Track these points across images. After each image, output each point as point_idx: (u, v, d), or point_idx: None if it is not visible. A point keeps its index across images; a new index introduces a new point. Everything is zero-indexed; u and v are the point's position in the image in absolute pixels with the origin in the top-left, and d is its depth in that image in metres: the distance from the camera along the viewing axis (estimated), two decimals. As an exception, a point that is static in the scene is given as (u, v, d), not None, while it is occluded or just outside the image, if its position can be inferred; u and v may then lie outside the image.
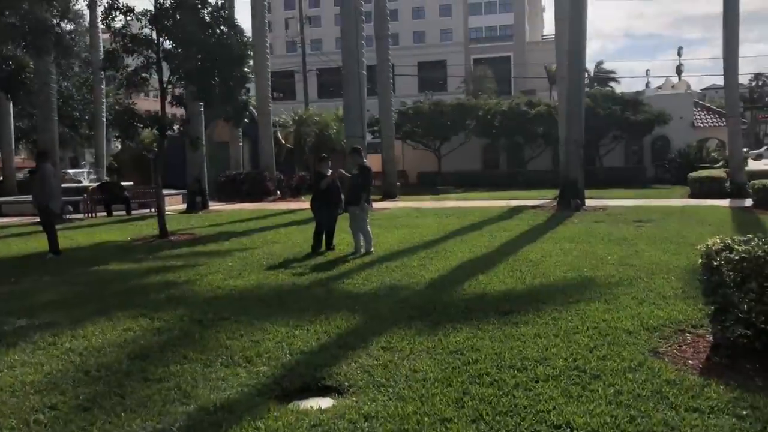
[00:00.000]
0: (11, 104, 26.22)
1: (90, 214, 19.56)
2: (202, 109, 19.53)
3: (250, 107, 31.41)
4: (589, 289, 7.71)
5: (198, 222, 17.46)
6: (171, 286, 8.59)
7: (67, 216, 18.54)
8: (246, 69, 13.18)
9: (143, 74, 12.70)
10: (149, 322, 6.75)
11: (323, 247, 11.48)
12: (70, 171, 39.36)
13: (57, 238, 11.50)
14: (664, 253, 10.12)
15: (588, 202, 18.88)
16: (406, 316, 6.69)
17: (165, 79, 13.31)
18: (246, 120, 14.13)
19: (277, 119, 33.49)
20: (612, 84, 61.91)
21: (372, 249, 11.07)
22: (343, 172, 12.06)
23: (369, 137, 34.77)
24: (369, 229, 11.31)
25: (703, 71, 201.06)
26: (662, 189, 27.94)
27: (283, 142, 32.16)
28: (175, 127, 13.56)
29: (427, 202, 23.00)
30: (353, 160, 11.96)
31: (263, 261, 10.48)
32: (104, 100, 28.85)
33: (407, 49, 66.80)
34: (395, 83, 34.72)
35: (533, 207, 19.43)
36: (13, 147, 28.64)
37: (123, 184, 21.63)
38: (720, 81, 37.73)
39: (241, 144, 28.84)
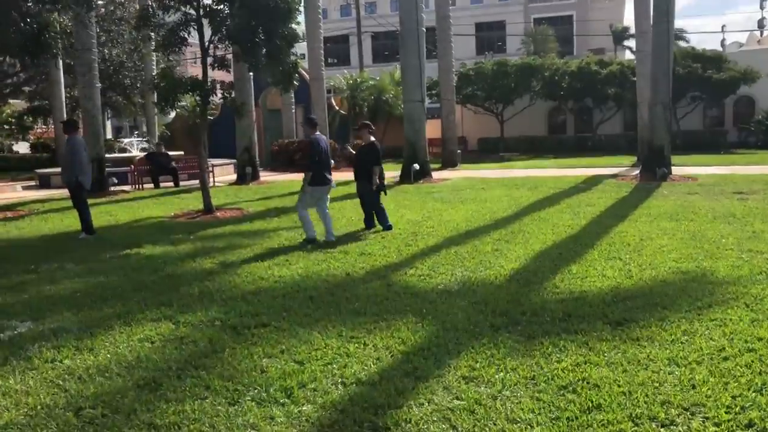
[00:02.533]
0: (61, 72, 25.56)
1: (136, 186, 18.68)
2: (251, 74, 18.28)
3: (301, 70, 30.27)
4: (717, 287, 6.10)
5: (247, 195, 16.33)
6: (207, 276, 7.37)
7: (112, 188, 17.71)
8: (294, 26, 11.77)
9: (181, 33, 11.43)
10: (173, 328, 5.53)
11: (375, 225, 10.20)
12: (125, 140, 39.14)
13: (90, 216, 10.46)
14: (794, 236, 8.37)
15: (673, 171, 16.90)
16: (488, 325, 5.27)
17: (206, 39, 12.06)
18: (296, 83, 12.65)
19: (331, 84, 32.15)
20: (681, 43, 58.02)
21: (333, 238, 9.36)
22: (350, 148, 10.63)
23: (427, 101, 33.20)
24: (304, 214, 9.39)
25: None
26: (749, 154, 25.46)
27: (337, 108, 30.80)
28: (219, 92, 12.25)
29: (491, 171, 21.33)
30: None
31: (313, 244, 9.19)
32: (154, 66, 27.91)
33: (464, 10, 63.97)
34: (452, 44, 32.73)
35: (612, 176, 17.60)
36: (65, 116, 28.12)
37: (170, 153, 20.67)
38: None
39: (294, 111, 27.62)
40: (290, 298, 6.36)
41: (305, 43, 24.96)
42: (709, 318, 5.20)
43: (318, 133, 9.68)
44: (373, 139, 10.32)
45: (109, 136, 51.26)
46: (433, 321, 5.45)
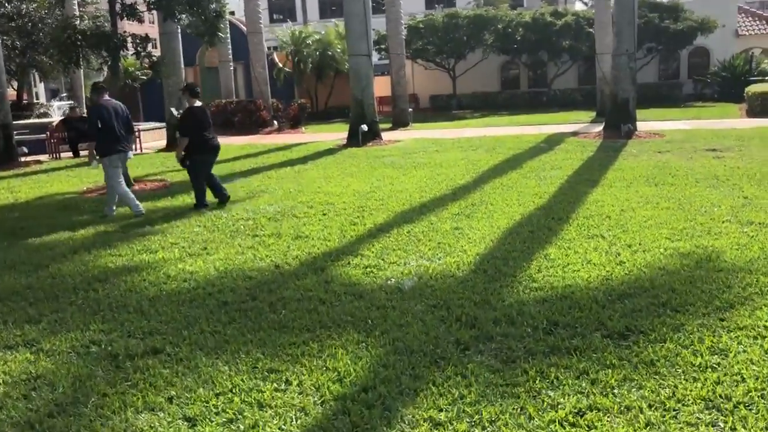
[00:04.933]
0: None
1: (53, 155, 16.73)
2: (179, 26, 16.39)
3: (237, 23, 28.13)
4: (731, 277, 4.94)
5: (175, 163, 14.59)
6: (100, 275, 5.90)
7: (22, 159, 15.75)
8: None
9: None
10: (30, 361, 4.09)
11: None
12: (55, 103, 36.32)
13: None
14: (794, 202, 7.32)
15: (638, 126, 15.85)
16: (452, 343, 4.00)
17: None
18: (222, 35, 10.98)
19: (274, 38, 30.15)
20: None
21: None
22: (174, 113, 9.37)
23: (376, 57, 31.45)
24: (123, 190, 8.73)
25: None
26: (708, 107, 24.74)
27: (281, 65, 28.89)
28: (130, 46, 10.51)
29: (444, 130, 20.01)
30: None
31: (240, 224, 7.76)
32: (78, 21, 25.43)
33: (413, -39, 61.90)
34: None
35: (573, 134, 16.48)
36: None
37: (84, 116, 18.59)
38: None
39: (232, 68, 25.63)
40: (198, 305, 4.96)
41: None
42: (736, 325, 4.03)
43: (108, 98, 8.83)
44: (197, 103, 8.84)
45: (42, 99, 48.04)
46: (381, 338, 4.14)
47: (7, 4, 25.58)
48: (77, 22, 10.68)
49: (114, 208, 8.78)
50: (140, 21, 10.47)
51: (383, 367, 3.71)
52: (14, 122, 16.78)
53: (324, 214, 8.07)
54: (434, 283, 5.16)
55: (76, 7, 26.09)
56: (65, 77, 36.62)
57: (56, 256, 6.61)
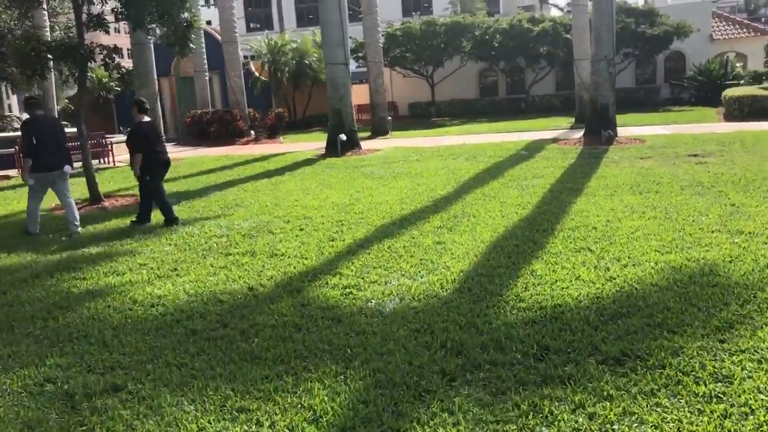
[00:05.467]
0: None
1: (22, 171, 16.19)
2: (150, 37, 16.01)
3: (212, 32, 27.70)
4: (726, 292, 4.72)
5: (149, 177, 14.20)
6: (62, 302, 5.54)
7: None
8: (184, -27, 9.75)
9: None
10: (-22, 403, 3.75)
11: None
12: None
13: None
14: (783, 210, 7.16)
15: (618, 132, 15.73)
16: (438, 372, 3.72)
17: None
18: (192, 45, 10.65)
19: (249, 48, 29.80)
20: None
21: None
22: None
23: (353, 65, 31.20)
24: (33, 206, 8.58)
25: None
26: (685, 111, 24.79)
27: (257, 74, 28.55)
28: (98, 58, 10.12)
29: (424, 138, 19.80)
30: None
31: (213, 241, 7.43)
32: (48, 31, 24.84)
33: (389, -31, 61.87)
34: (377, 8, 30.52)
35: (552, 140, 16.31)
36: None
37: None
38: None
39: (207, 78, 25.23)
40: (165, 333, 4.64)
41: (216, 4, 22.67)
42: (738, 348, 3.79)
43: (42, 112, 8.79)
44: (145, 118, 8.71)
45: (16, 112, 47.09)
46: (360, 369, 3.84)
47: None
48: (47, 33, 10.30)
49: (77, 224, 8.45)
50: (107, 32, 10.12)
51: (363, 403, 3.42)
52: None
53: (301, 230, 7.77)
54: (417, 305, 4.88)
55: (46, 17, 25.58)
56: (37, 89, 35.88)
57: (16, 281, 6.23)
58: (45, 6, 23.43)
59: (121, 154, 19.16)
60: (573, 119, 21.92)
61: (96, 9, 9.95)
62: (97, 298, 5.56)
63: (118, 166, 16.72)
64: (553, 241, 6.46)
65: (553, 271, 5.49)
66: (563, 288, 5.05)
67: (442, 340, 4.18)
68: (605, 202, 8.26)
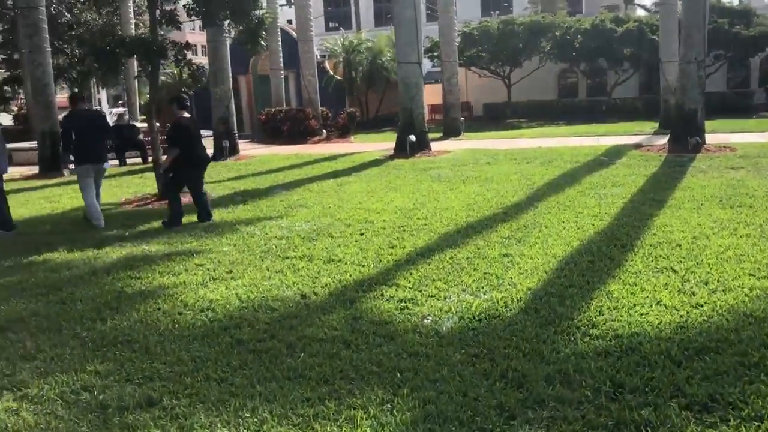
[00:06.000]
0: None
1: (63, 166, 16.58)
2: (226, 34, 16.12)
3: (288, 30, 27.87)
4: (835, 329, 4.12)
5: (218, 173, 14.33)
6: (114, 301, 5.43)
7: (71, 167, 15.65)
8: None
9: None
10: (15, 407, 3.62)
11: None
12: (113, 110, 36.93)
13: (5, 209, 8.52)
14: None
15: (706, 139, 14.74)
16: (494, 407, 3.33)
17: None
18: (263, 42, 10.54)
19: (325, 47, 29.88)
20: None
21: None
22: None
23: (428, 65, 30.80)
24: (91, 202, 8.73)
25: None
26: (782, 118, 23.18)
27: (332, 72, 28.58)
28: (171, 54, 10.17)
29: (497, 141, 19.22)
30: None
31: (272, 243, 7.24)
32: (132, 27, 25.61)
33: (469, -31, 61.01)
34: (456, 7, 29.92)
35: (635, 146, 15.46)
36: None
37: (137, 125, 18.57)
38: None
39: (283, 76, 25.39)
40: (211, 342, 4.42)
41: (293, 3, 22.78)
42: None
43: (85, 106, 9.22)
44: (185, 115, 8.59)
45: (105, 106, 49.08)
46: (410, 398, 3.50)
47: (67, 14, 26.00)
48: (132, 30, 10.42)
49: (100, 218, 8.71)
50: (179, 28, 10.15)
51: (409, 440, 3.07)
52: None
53: (361, 234, 7.48)
54: (477, 326, 4.49)
55: (131, 15, 26.41)
56: (122, 85, 37.15)
57: (73, 277, 6.19)
58: (131, 3, 24.26)
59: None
60: (657, 124, 20.82)
61: (169, 6, 10.00)
62: (148, 300, 5.42)
63: (191, 162, 16.92)
64: (633, 259, 5.92)
65: (632, 293, 4.98)
66: (642, 314, 4.55)
67: (503, 368, 3.78)
68: (691, 216, 7.60)
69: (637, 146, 15.49)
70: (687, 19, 14.15)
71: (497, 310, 4.79)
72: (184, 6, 9.71)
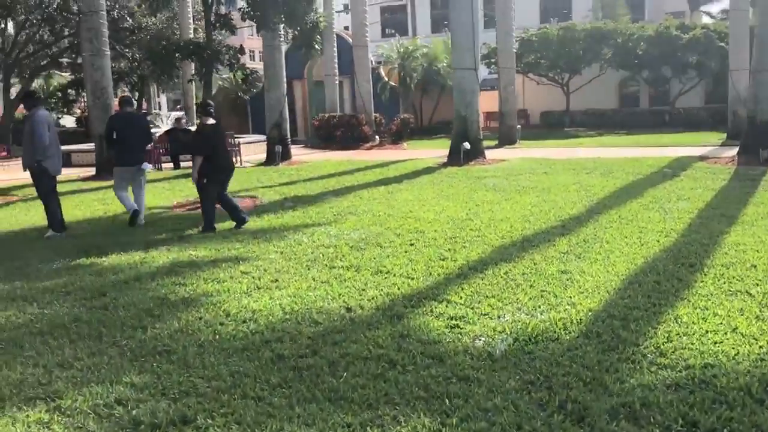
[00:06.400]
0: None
1: (156, 166, 16.86)
2: (281, 39, 16.11)
3: (344, 35, 27.85)
4: None
5: (270, 178, 14.30)
6: (157, 308, 5.32)
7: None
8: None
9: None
10: (46, 419, 3.49)
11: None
12: (172, 114, 37.67)
13: (58, 210, 8.61)
14: None
15: (779, 152, 13.96)
16: (553, 444, 3.01)
17: (209, -7, 9.94)
18: (318, 46, 10.41)
19: (380, 54, 29.80)
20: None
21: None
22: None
23: (485, 72, 30.36)
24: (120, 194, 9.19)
25: None
26: None
27: (386, 78, 28.46)
28: (225, 58, 10.14)
29: (555, 150, 18.72)
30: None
31: (320, 251, 7.05)
32: (192, 32, 26.01)
33: (529, -26, 60.17)
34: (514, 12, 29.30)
35: (701, 158, 14.76)
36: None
37: (188, 128, 18.72)
38: None
39: (338, 82, 25.41)
40: (251, 356, 4.23)
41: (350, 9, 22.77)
42: None
43: (130, 109, 9.50)
44: (210, 121, 8.42)
45: (164, 110, 50.24)
46: (459, 428, 3.22)
47: (129, 19, 26.61)
48: (191, 34, 10.46)
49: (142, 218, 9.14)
50: (233, 32, 10.12)
51: (457, 479, 2.80)
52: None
53: (411, 245, 7.22)
54: (533, 349, 4.17)
55: (191, 19, 26.85)
56: (180, 89, 37.88)
57: (118, 282, 6.12)
58: (190, 8, 24.63)
59: (249, 154, 19.61)
60: (724, 135, 19.95)
61: (223, 9, 9.99)
62: (191, 308, 5.28)
63: (244, 166, 17.01)
64: (703, 280, 5.49)
65: (703, 318, 4.58)
66: (716, 343, 4.15)
67: (561, 399, 3.46)
68: (764, 234, 7.08)
69: (703, 158, 14.80)
70: (761, 26, 13.46)
71: (555, 332, 4.46)
72: (239, 10, 9.68)
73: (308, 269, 6.38)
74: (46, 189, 8.46)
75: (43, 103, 8.97)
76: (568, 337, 4.37)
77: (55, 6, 24.64)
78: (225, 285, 5.90)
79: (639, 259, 6.25)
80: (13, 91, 29.74)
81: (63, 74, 36.56)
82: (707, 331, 4.34)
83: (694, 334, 4.29)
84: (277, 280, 6.02)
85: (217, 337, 4.64)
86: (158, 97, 54.52)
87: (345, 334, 4.56)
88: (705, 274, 5.65)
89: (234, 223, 8.58)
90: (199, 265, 6.65)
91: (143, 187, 9.32)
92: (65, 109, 37.45)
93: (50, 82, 41.09)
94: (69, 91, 35.97)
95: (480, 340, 4.39)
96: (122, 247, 7.57)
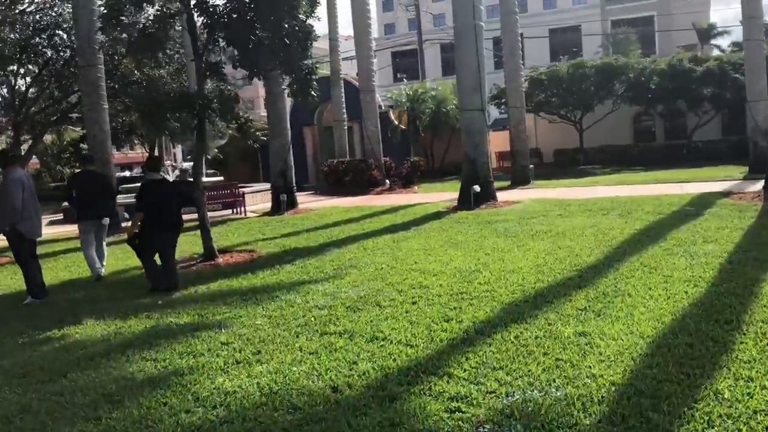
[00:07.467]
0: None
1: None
2: (284, 87, 15.76)
3: (350, 80, 27.62)
4: None
5: (273, 229, 13.76)
6: (118, 392, 4.69)
7: (123, 225, 15.49)
8: (302, 15, 9.08)
9: (158, 29, 8.84)
10: None
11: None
12: (183, 164, 37.64)
13: (38, 274, 8.08)
14: None
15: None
16: None
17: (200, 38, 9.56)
18: (314, 93, 9.93)
19: (390, 97, 29.58)
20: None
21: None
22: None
23: (495, 112, 29.96)
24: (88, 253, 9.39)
25: None
26: None
27: (396, 122, 28.14)
28: (217, 108, 9.69)
29: (570, 189, 18.05)
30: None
31: (312, 314, 6.42)
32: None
33: (537, 16, 60.26)
34: (524, 53, 28.96)
35: (724, 194, 14.01)
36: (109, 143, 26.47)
37: (191, 180, 18.29)
38: None
39: (346, 127, 25.10)
40: (212, 457, 3.57)
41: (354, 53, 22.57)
42: None
43: (92, 168, 10.00)
44: (156, 176, 8.46)
45: (180, 160, 50.40)
46: None
47: (136, 72, 26.64)
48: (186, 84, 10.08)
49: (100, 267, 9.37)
50: (224, 80, 9.71)
51: None
52: (124, 185, 16.74)
53: (413, 303, 6.57)
54: (546, 440, 3.48)
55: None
56: (189, 140, 37.90)
57: (83, 358, 5.51)
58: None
59: (256, 203, 19.17)
60: (746, 168, 19.19)
61: (214, 58, 9.59)
62: (157, 390, 4.65)
63: (248, 217, 16.52)
64: (743, 341, 4.77)
65: (748, 394, 3.87)
66: (767, 426, 3.44)
67: None
68: (808, 281, 6.34)
69: (727, 194, 14.05)
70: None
71: (573, 415, 3.77)
72: (230, 58, 9.28)
73: (297, 337, 5.74)
74: (24, 253, 7.93)
75: (21, 161, 8.48)
76: (588, 422, 3.67)
77: (62, 63, 24.76)
78: (201, 360, 5.27)
79: (666, 315, 5.53)
80: (24, 147, 29.76)
81: (75, 129, 36.78)
82: (755, 412, 3.63)
83: (739, 417, 3.58)
84: (259, 352, 5.38)
85: (179, 428, 3.99)
86: (173, 148, 54.84)
87: (326, 424, 3.90)
88: (744, 333, 4.93)
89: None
90: (177, 335, 6.03)
91: (104, 240, 9.80)
92: (77, 164, 37.57)
93: (63, 137, 41.44)
94: (81, 145, 36.15)
95: (484, 428, 3.70)
96: (101, 314, 6.99)
